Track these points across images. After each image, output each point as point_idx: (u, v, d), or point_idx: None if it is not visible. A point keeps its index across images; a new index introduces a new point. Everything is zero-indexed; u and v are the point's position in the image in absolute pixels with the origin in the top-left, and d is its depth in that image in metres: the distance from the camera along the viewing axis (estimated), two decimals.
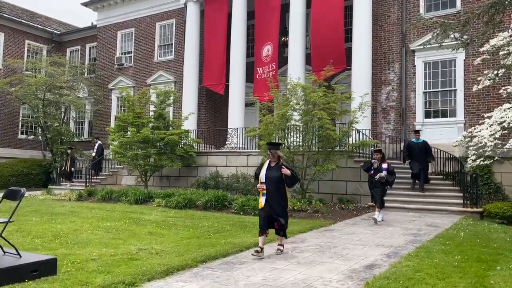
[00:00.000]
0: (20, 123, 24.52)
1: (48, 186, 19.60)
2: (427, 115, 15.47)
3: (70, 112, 24.10)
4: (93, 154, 19.95)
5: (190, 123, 17.65)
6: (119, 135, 16.04)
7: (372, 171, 10.25)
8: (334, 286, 4.89)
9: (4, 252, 5.27)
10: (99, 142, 20.25)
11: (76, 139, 23.56)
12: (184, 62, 19.77)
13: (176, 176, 17.01)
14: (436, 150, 13.60)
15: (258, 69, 17.92)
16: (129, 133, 16.00)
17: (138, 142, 15.49)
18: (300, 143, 12.98)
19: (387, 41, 16.38)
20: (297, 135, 13.05)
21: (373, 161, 10.58)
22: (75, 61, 25.81)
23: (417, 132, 13.62)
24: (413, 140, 13.33)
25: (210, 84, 19.15)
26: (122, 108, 21.84)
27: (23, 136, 24.66)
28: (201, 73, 19.71)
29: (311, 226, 9.19)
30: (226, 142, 17.43)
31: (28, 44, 25.29)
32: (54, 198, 15.46)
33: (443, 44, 9.75)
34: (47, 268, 5.06)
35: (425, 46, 14.06)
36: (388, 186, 10.49)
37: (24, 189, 5.39)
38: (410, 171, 12.91)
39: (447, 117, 15.08)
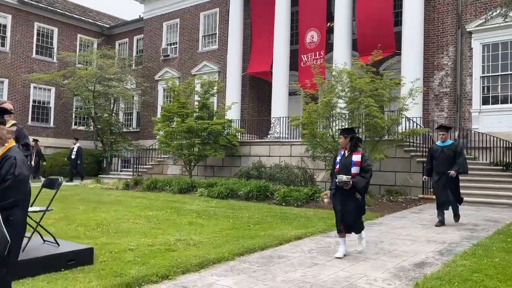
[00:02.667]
0: (74, 114, 25.55)
1: (99, 175, 20.28)
2: (485, 101, 14.35)
3: (119, 103, 24.77)
4: (73, 157, 19.57)
5: (233, 113, 17.53)
6: (165, 125, 16.21)
7: (338, 166, 5.90)
8: (379, 285, 4.50)
9: (44, 241, 5.33)
10: (78, 144, 20.07)
11: (125, 129, 24.21)
12: (227, 51, 19.64)
13: (220, 166, 16.99)
14: (495, 139, 12.57)
15: (302, 56, 17.44)
16: (174, 123, 16.13)
17: (182, 132, 15.58)
18: None
19: (441, 23, 15.31)
20: (342, 124, 12.51)
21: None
22: (123, 54, 26.46)
23: (443, 129, 8.51)
24: (438, 142, 8.56)
25: (256, 72, 18.91)
26: (168, 99, 22.13)
27: (77, 127, 25.68)
28: (245, 63, 19.49)
29: None
30: (269, 132, 17.16)
31: (80, 37, 26.19)
32: (103, 187, 15.92)
33: (507, 18, 8.87)
34: (84, 257, 5.04)
35: (485, 25, 12.96)
36: (359, 196, 5.82)
37: (62, 178, 5.40)
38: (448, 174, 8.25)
39: (507, 103, 13.91)
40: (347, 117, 12.46)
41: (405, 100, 11.98)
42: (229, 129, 16.65)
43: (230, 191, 12.39)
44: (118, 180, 16.74)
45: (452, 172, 8.03)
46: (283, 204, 11.05)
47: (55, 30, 25.04)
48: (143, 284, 4.48)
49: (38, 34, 24.28)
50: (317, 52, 16.94)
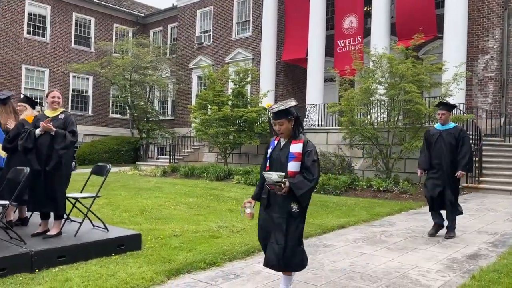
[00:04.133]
0: (111, 102, 26.13)
1: (136, 162, 20.72)
2: None
3: (154, 92, 25.12)
4: None
5: (268, 100, 17.40)
6: (201, 113, 16.31)
7: (268, 159, 3.76)
8: (432, 277, 4.35)
9: (94, 226, 5.46)
10: None
11: (160, 117, 24.57)
12: (261, 38, 19.47)
13: (254, 154, 16.98)
14: None
15: (338, 41, 17.06)
16: (209, 111, 16.21)
17: (218, 120, 15.63)
18: (385, 119, 12.13)
19: (486, 4, 14.58)
20: (382, 111, 12.19)
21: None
22: (157, 42, 26.73)
23: (444, 106, 6.42)
24: (436, 125, 6.49)
25: (291, 59, 18.69)
26: (203, 87, 22.25)
27: (114, 115, 26.28)
28: (279, 49, 19.28)
29: (399, 208, 8.54)
30: (304, 119, 16.97)
31: (116, 27, 26.62)
32: (141, 174, 16.25)
33: None
34: (133, 243, 5.13)
35: None
36: (295, 209, 3.56)
37: (110, 165, 5.49)
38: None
39: None
40: (386, 104, 12.13)
41: (448, 85, 11.52)
42: (264, 117, 16.57)
43: None
44: (156, 167, 17.04)
45: (460, 174, 6.05)
46: (322, 192, 10.93)
47: (92, 20, 25.53)
48: (191, 270, 4.51)
49: (76, 24, 24.84)
50: (355, 38, 16.52)
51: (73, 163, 5.35)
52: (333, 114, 14.47)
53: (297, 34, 18.31)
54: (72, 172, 5.38)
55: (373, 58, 12.25)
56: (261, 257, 5.07)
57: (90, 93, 25.38)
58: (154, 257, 4.82)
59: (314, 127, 15.81)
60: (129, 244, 5.08)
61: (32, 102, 5.70)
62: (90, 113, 25.35)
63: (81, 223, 5.12)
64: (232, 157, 17.25)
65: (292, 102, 3.55)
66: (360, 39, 16.27)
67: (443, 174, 6.13)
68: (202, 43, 23.19)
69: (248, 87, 18.66)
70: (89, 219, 5.42)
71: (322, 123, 16.18)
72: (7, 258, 4.11)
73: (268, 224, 3.59)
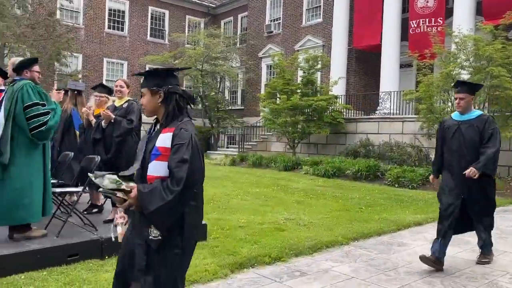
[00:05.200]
0: None
1: (207, 151, 21.19)
2: None
3: (224, 82, 25.45)
4: None
5: (338, 88, 16.81)
6: (270, 102, 16.19)
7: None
8: None
9: None
10: None
11: (230, 107, 24.86)
12: (333, 24, 18.80)
13: (324, 144, 16.53)
14: None
15: (411, 22, 15.86)
16: (278, 100, 16.03)
17: (287, 109, 15.40)
18: None
19: None
20: None
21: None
22: (228, 32, 26.98)
23: (462, 86, 4.53)
24: (454, 114, 4.67)
25: (363, 45, 17.86)
26: (272, 76, 22.08)
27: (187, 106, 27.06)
28: (351, 35, 18.49)
29: None
30: (378, 108, 16.15)
31: (188, 19, 27.27)
32: (211, 163, 16.55)
33: None
34: (199, 233, 5.09)
35: None
36: (155, 236, 2.27)
37: None
38: None
39: None
40: None
41: None
42: (334, 106, 16.04)
43: (337, 170, 11.93)
44: (225, 156, 17.26)
45: (471, 171, 4.19)
46: (396, 185, 10.30)
47: (166, 12, 26.37)
48: (255, 264, 4.37)
49: (151, 18, 25.82)
50: (433, 18, 15.27)
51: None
52: (410, 101, 13.57)
53: (370, 19, 17.36)
54: None
55: (456, 39, 11.22)
56: (329, 254, 4.81)
57: None
58: (219, 248, 4.75)
59: (388, 116, 14.99)
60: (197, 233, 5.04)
61: (109, 90, 5.88)
62: None
63: None
64: (301, 147, 16.94)
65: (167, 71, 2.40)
66: (440, 21, 15.03)
67: (463, 182, 4.29)
68: (271, 32, 22.97)
69: (318, 75, 18.15)
70: None
71: (397, 112, 15.29)
72: (80, 244, 4.25)
73: (125, 254, 2.35)
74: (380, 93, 16.13)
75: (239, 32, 26.51)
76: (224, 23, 27.83)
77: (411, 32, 15.81)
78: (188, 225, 2.26)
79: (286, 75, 16.15)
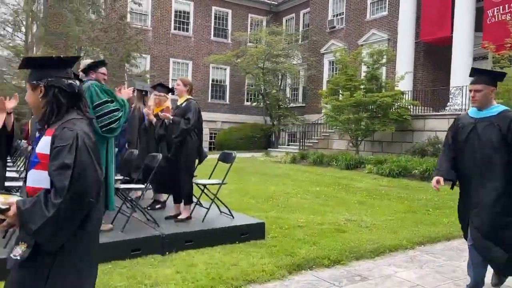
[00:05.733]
0: (246, 91, 27.25)
1: (268, 149, 21.26)
2: None
3: (286, 79, 25.36)
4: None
5: (404, 84, 16.05)
6: (332, 98, 15.86)
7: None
8: None
9: (221, 212, 5.58)
10: None
11: (291, 105, 24.74)
12: (399, 16, 17.99)
13: (389, 141, 15.88)
14: None
15: (488, 12, 14.72)
16: (340, 96, 15.66)
17: (349, 106, 14.99)
18: None
19: None
20: None
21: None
22: (290, 29, 26.83)
23: (478, 76, 3.59)
24: (470, 111, 3.76)
25: (430, 38, 16.92)
26: (334, 72, 21.63)
27: (248, 103, 27.36)
28: (418, 28, 17.57)
29: None
30: (448, 104, 15.21)
31: (251, 17, 27.49)
32: (271, 160, 16.57)
33: None
34: (256, 231, 5.09)
35: None
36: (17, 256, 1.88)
37: (235, 152, 5.54)
38: None
39: None
40: None
41: None
42: (400, 102, 15.35)
43: (403, 169, 11.38)
44: (286, 154, 17.19)
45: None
46: None
47: (229, 12, 26.78)
48: (314, 266, 4.26)
49: (215, 18, 26.34)
50: (505, 5, 14.05)
51: (204, 150, 5.46)
52: None
53: (439, 10, 16.38)
54: (206, 158, 5.52)
55: None
56: (393, 258, 4.58)
57: (227, 83, 26.80)
58: (277, 248, 4.69)
59: (460, 112, 14.04)
60: (253, 232, 5.05)
61: (168, 89, 6.04)
62: (227, 101, 26.79)
63: (208, 209, 5.27)
64: (364, 145, 16.42)
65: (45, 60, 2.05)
66: None
67: (480, 194, 3.40)
68: (334, 27, 22.49)
69: (383, 70, 17.46)
70: (216, 205, 5.56)
71: (470, 107, 14.29)
72: (142, 239, 4.40)
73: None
74: (450, 88, 15.19)
75: (301, 28, 26.26)
76: (286, 20, 27.71)
77: (488, 22, 14.69)
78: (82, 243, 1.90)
79: (349, 71, 15.72)
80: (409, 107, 15.34)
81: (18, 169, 7.46)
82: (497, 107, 3.54)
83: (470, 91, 3.59)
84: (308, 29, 24.80)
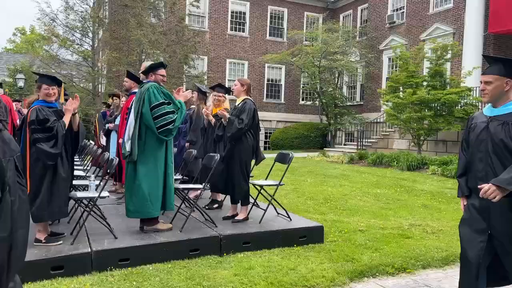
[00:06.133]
0: (301, 90, 26.99)
1: (324, 148, 20.88)
2: None
3: (342, 77, 24.80)
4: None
5: (472, 80, 15.04)
6: (392, 96, 15.25)
7: None
8: None
9: (277, 214, 5.48)
10: None
11: (348, 103, 24.14)
12: (465, 8, 16.93)
13: (454, 141, 14.97)
14: None
15: None
16: (401, 94, 15.01)
17: (411, 104, 14.33)
18: None
19: None
20: None
21: None
22: (347, 26, 26.20)
23: (490, 65, 2.94)
24: (485, 109, 3.02)
25: (500, 31, 15.76)
26: (394, 69, 20.81)
27: (303, 102, 27.09)
28: (486, 20, 16.42)
29: None
30: None
31: (307, 15, 27.17)
32: (327, 160, 16.22)
33: None
34: (315, 235, 4.94)
35: None
36: None
37: (292, 153, 5.41)
38: None
39: None
40: None
41: None
42: (467, 99, 14.42)
43: None
44: (342, 154, 16.77)
45: (489, 190, 2.62)
46: None
47: (285, 10, 26.64)
48: (377, 274, 4.04)
49: (271, 17, 26.32)
50: None
51: (262, 153, 5.40)
52: None
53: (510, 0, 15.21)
54: (263, 160, 5.45)
55: None
56: None
57: (282, 82, 26.69)
58: (337, 253, 4.52)
59: None
60: (312, 236, 4.90)
61: (227, 89, 6.04)
62: (282, 100, 26.69)
63: (265, 211, 5.19)
64: (427, 145, 15.62)
65: None
66: None
67: (485, 209, 2.84)
68: (394, 22, 21.62)
69: (448, 65, 16.53)
70: (273, 206, 5.47)
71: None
72: (201, 240, 4.41)
73: None
74: None
75: (358, 25, 25.54)
76: (343, 17, 27.08)
77: None
78: None
79: (410, 67, 15.03)
80: (477, 104, 14.38)
81: (85, 168, 7.84)
82: None
83: (480, 82, 2.97)
84: (366, 25, 24.07)
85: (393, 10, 21.96)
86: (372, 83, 22.73)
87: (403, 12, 21.29)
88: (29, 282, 3.52)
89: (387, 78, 19.91)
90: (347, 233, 5.33)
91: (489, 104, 2.94)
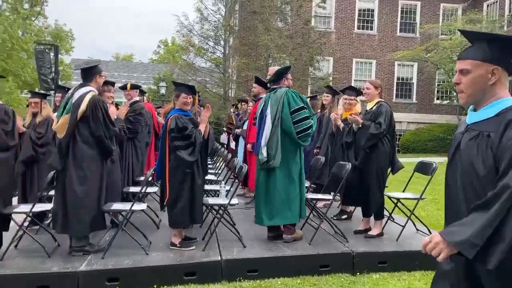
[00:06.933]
0: (436, 88, 24.77)
1: None
2: None
3: None
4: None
5: None
6: None
7: None
8: None
9: (417, 230, 4.90)
10: None
11: None
12: None
13: None
14: None
15: None
16: None
17: None
18: None
19: None
20: None
21: None
22: (492, 16, 23.21)
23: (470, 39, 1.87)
24: (469, 113, 1.93)
25: None
26: None
27: (438, 102, 24.81)
28: None
29: None
30: None
31: (443, 6, 24.87)
32: None
33: None
34: None
35: None
36: None
37: (436, 163, 4.75)
38: None
39: None
40: None
41: None
42: None
43: None
44: None
45: (426, 244, 1.65)
46: None
47: (418, 4, 24.76)
48: None
49: (401, 12, 24.72)
50: None
51: (398, 161, 4.89)
52: None
53: None
54: (399, 170, 4.92)
55: None
56: None
57: (414, 80, 24.85)
58: None
59: None
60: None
61: (358, 92, 5.67)
62: (414, 100, 24.86)
63: (403, 227, 4.64)
64: None
65: None
66: None
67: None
68: None
69: None
70: (412, 222, 4.89)
71: None
72: (331, 256, 4.12)
73: None
74: None
75: (506, 13, 22.41)
76: (487, 5, 24.07)
77: None
78: None
79: None
80: None
81: (217, 171, 8.05)
82: (500, 103, 1.80)
83: (456, 72, 1.96)
84: None
85: None
86: None
87: None
88: (165, 286, 3.64)
89: None
90: None
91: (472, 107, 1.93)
